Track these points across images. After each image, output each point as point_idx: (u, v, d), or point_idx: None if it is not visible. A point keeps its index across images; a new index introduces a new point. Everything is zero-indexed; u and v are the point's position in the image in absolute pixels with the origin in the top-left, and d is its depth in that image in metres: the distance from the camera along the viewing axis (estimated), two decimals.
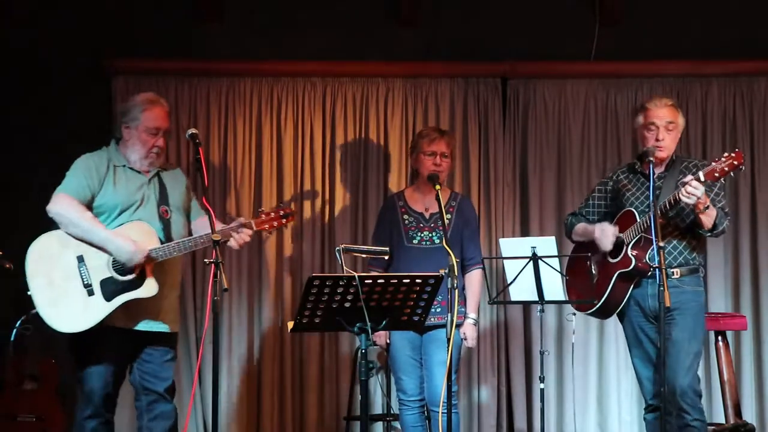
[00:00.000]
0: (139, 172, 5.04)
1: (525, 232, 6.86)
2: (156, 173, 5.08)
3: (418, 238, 5.70)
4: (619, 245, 5.24)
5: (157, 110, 5.05)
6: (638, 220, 5.17)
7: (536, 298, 5.56)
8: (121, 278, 4.87)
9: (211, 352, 4.82)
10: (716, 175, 4.95)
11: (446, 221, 5.41)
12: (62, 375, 6.48)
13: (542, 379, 5.59)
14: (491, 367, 6.79)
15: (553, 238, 5.66)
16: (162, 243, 4.93)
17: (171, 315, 5.04)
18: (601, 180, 5.62)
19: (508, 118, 6.96)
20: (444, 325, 5.30)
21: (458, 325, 5.54)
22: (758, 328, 6.83)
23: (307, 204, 6.89)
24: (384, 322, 4.54)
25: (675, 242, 5.19)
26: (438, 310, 5.46)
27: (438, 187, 5.32)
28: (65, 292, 4.85)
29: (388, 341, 5.71)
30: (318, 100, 6.94)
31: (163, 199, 5.04)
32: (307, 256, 6.85)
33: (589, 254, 5.47)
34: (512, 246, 5.60)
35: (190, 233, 5.12)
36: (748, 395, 6.78)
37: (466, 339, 5.63)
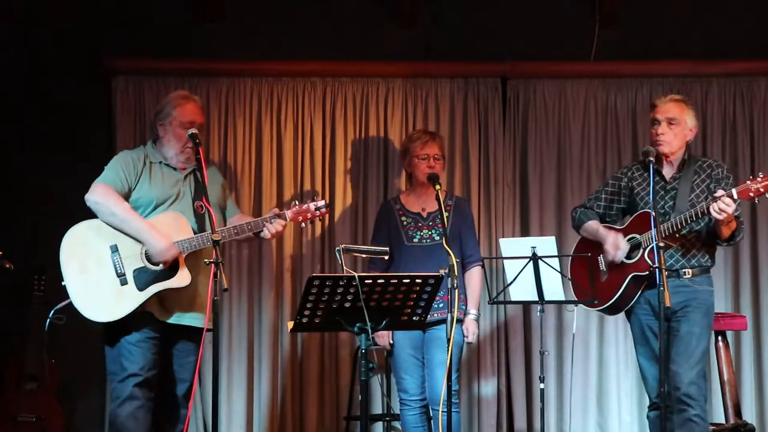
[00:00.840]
0: (175, 169, 5.11)
1: (525, 232, 6.86)
2: (192, 170, 5.14)
3: (418, 236, 5.72)
4: (634, 245, 5.21)
5: (191, 105, 5.13)
6: (659, 225, 5.09)
7: (536, 298, 5.56)
8: (153, 267, 4.92)
9: (211, 352, 4.81)
10: (751, 195, 4.90)
11: (445, 218, 5.37)
12: (62, 375, 6.48)
13: (542, 379, 5.59)
14: (491, 367, 6.79)
15: (553, 238, 5.66)
16: (195, 235, 4.98)
17: (204, 309, 4.94)
18: (614, 175, 5.58)
19: (508, 118, 6.96)
20: (446, 321, 5.24)
21: (459, 321, 5.57)
22: (758, 328, 6.84)
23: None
24: (384, 322, 4.54)
25: (688, 245, 5.18)
26: (440, 305, 5.48)
27: (438, 186, 5.33)
28: (97, 280, 4.90)
29: (391, 342, 5.72)
30: (318, 100, 6.94)
31: (198, 195, 5.07)
32: (307, 256, 6.85)
33: (589, 254, 5.47)
34: (512, 246, 5.61)
35: None
36: (748, 395, 6.78)
37: (467, 335, 5.65)
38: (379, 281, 4.47)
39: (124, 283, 4.90)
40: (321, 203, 5.20)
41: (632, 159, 6.89)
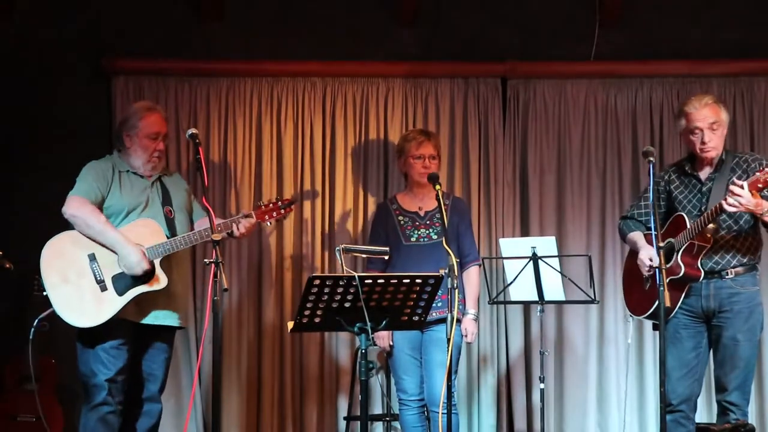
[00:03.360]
0: (142, 177, 5.30)
1: (525, 232, 6.86)
2: (157, 177, 5.35)
3: (416, 235, 5.72)
4: (670, 250, 5.17)
5: (155, 116, 5.32)
6: (688, 225, 5.10)
7: (536, 298, 5.57)
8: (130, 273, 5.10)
9: (211, 352, 4.81)
10: (759, 186, 4.84)
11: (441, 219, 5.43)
12: (62, 375, 6.48)
13: (542, 379, 5.59)
14: (491, 368, 6.79)
15: (553, 238, 5.67)
16: (168, 239, 5.17)
17: (180, 308, 5.28)
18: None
19: (508, 118, 6.96)
20: (445, 320, 5.23)
21: (458, 321, 5.55)
22: None
23: (307, 204, 6.89)
24: (384, 322, 4.55)
25: (728, 245, 5.12)
26: (439, 304, 5.46)
27: (438, 186, 5.32)
28: (78, 288, 5.07)
29: (391, 343, 5.71)
30: (318, 100, 6.94)
31: (166, 200, 5.31)
32: (307, 256, 6.85)
33: (589, 255, 5.48)
34: (512, 246, 5.61)
35: None
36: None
37: (466, 335, 5.65)
38: (379, 281, 4.48)
39: (104, 289, 5.09)
40: (285, 201, 5.40)
41: (632, 159, 6.90)
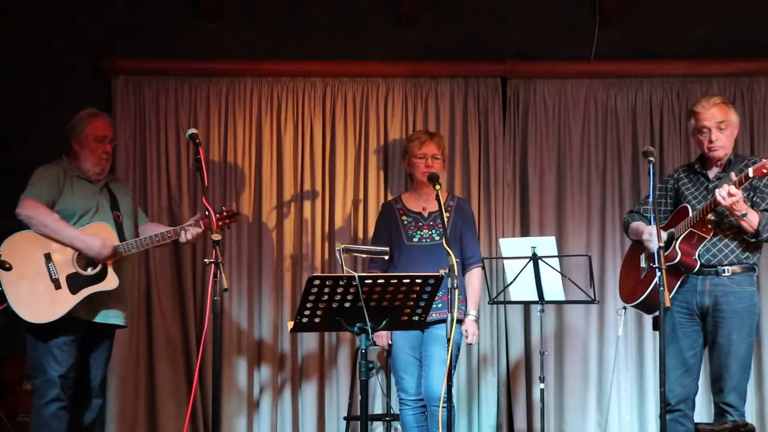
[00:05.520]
0: (90, 182, 5.51)
1: (525, 232, 6.86)
2: (105, 184, 5.58)
3: (418, 236, 5.73)
4: (671, 240, 5.21)
5: (101, 120, 5.58)
6: (690, 215, 5.14)
7: (536, 298, 5.57)
8: (84, 273, 5.33)
9: (211, 352, 4.81)
10: (765, 171, 4.87)
11: (446, 219, 5.41)
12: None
13: (542, 379, 5.60)
14: (491, 368, 6.79)
15: (553, 238, 5.67)
16: (120, 243, 5.41)
17: (126, 308, 5.56)
18: (661, 178, 5.56)
19: (508, 118, 6.96)
20: (445, 320, 5.27)
21: (459, 322, 5.58)
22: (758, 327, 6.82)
23: (307, 204, 6.89)
24: (384, 322, 4.55)
25: (727, 240, 5.15)
26: (439, 305, 5.48)
27: (438, 186, 5.33)
28: (33, 286, 5.28)
29: (389, 342, 5.72)
30: (318, 100, 6.94)
31: (114, 205, 5.56)
32: (307, 256, 6.85)
33: (589, 255, 5.48)
34: (512, 246, 5.62)
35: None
36: (749, 395, 6.75)
37: (467, 336, 5.65)
38: (379, 281, 4.48)
39: (58, 287, 5.29)
40: (230, 213, 5.67)
41: (632, 159, 6.90)
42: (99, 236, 5.34)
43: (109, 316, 5.43)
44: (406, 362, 5.67)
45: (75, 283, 5.30)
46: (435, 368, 5.53)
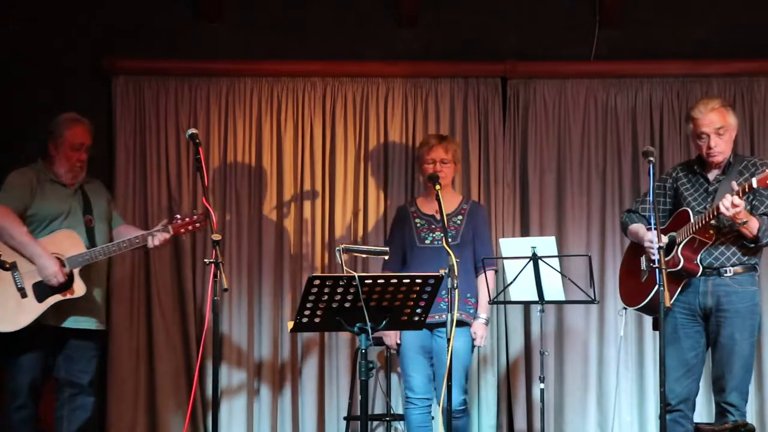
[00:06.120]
0: (64, 186, 5.57)
1: (525, 232, 6.86)
2: (80, 186, 5.62)
3: (430, 238, 5.78)
4: (671, 244, 5.20)
5: (80, 128, 5.62)
6: (692, 220, 5.13)
7: (536, 298, 5.57)
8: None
9: (211, 352, 4.82)
10: None
11: (458, 223, 5.71)
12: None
13: (542, 379, 5.59)
14: (491, 368, 6.79)
15: (553, 238, 5.67)
16: (87, 249, 5.46)
17: (98, 313, 5.58)
18: (660, 176, 5.54)
19: (508, 118, 6.95)
20: (459, 324, 5.49)
21: (468, 324, 5.66)
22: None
23: (307, 204, 6.89)
24: (384, 322, 4.55)
25: (728, 243, 5.15)
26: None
27: (438, 186, 5.35)
28: (1, 295, 5.34)
29: (398, 341, 5.74)
30: (318, 100, 6.94)
31: (87, 209, 5.60)
32: (307, 256, 6.85)
33: (589, 255, 5.48)
34: (512, 246, 5.61)
35: (111, 240, 5.62)
36: (749, 395, 6.76)
37: (476, 339, 5.71)
38: (379, 281, 4.48)
39: (24, 296, 5.35)
40: (199, 217, 5.61)
41: (632, 159, 6.90)
42: (61, 251, 5.37)
43: (79, 322, 5.48)
44: (415, 361, 5.69)
45: (41, 291, 5.35)
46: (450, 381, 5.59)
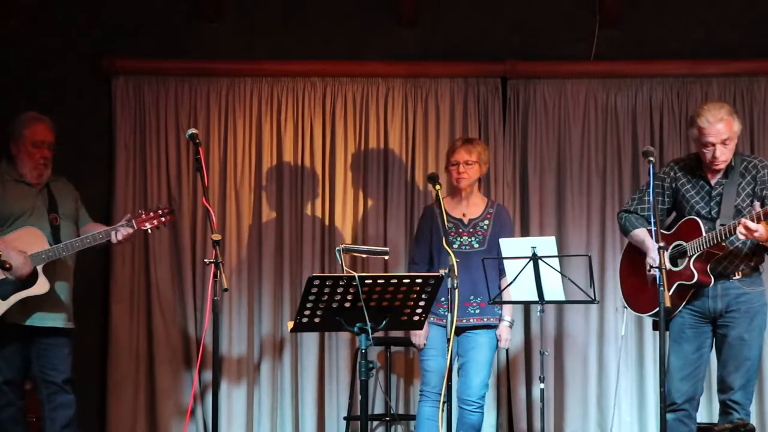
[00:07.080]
0: (29, 185, 5.55)
1: (525, 232, 6.86)
2: (46, 185, 5.59)
3: (458, 243, 5.79)
4: (681, 254, 5.15)
5: (40, 125, 5.60)
6: (704, 233, 5.06)
7: (536, 298, 5.56)
8: (13, 278, 5.35)
9: (211, 352, 4.82)
10: None
11: (484, 228, 5.78)
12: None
13: (542, 379, 5.59)
14: (491, 368, 6.77)
15: (553, 238, 5.65)
16: (51, 246, 5.43)
17: (64, 311, 5.54)
18: (656, 174, 5.32)
19: (508, 118, 6.95)
20: (481, 326, 5.71)
21: (494, 327, 5.77)
22: None
23: (307, 204, 6.89)
24: (384, 322, 4.55)
25: (738, 250, 5.12)
26: (477, 311, 5.71)
27: (438, 186, 5.35)
28: None
29: (424, 342, 5.76)
30: (318, 100, 6.94)
31: (52, 207, 5.57)
32: (307, 256, 6.85)
33: (589, 255, 5.48)
34: (512, 246, 5.60)
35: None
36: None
37: (501, 341, 5.79)
38: (379, 281, 4.48)
39: None
40: (165, 210, 5.57)
41: (632, 159, 6.89)
42: (24, 248, 5.34)
43: (45, 319, 5.46)
44: (435, 359, 5.73)
45: (4, 288, 5.35)
46: (473, 373, 5.69)
